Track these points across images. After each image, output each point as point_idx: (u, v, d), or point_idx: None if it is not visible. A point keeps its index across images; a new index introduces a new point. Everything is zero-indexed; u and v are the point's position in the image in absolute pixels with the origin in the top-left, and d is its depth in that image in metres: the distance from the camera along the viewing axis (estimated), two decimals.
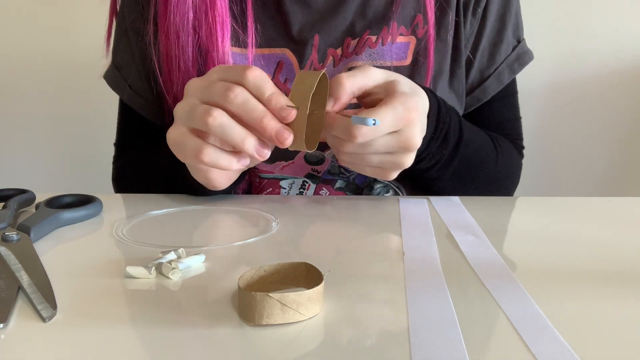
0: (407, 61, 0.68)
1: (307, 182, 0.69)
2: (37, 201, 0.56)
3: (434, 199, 0.61)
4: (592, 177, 1.36)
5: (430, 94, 0.58)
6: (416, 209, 0.57)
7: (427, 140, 0.58)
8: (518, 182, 0.77)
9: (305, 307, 0.33)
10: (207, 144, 0.49)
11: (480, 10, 0.70)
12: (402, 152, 0.52)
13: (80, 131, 1.40)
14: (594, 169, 1.36)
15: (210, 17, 0.62)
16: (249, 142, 0.48)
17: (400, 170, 0.54)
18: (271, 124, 0.47)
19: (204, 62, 0.64)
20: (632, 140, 1.35)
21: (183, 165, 0.57)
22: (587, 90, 1.32)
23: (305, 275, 0.37)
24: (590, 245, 0.47)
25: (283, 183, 0.69)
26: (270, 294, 0.32)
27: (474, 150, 0.66)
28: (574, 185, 1.37)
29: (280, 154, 0.68)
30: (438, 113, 0.59)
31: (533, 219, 0.56)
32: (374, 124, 0.47)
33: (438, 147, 0.60)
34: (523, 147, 0.80)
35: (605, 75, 1.31)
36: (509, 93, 0.76)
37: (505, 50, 0.72)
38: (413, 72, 0.67)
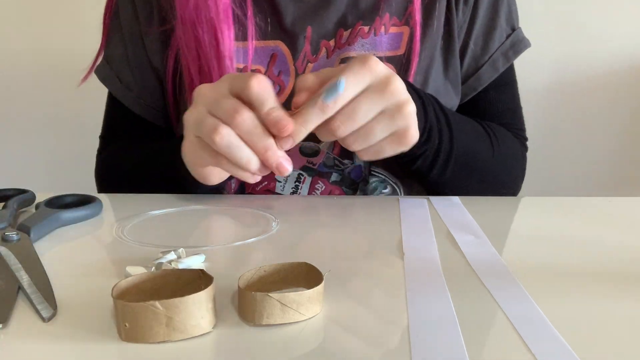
0: (401, 51, 0.68)
1: (302, 175, 0.69)
2: (37, 201, 0.56)
3: (434, 199, 0.61)
4: (592, 177, 1.36)
5: (409, 86, 0.56)
6: (416, 209, 0.57)
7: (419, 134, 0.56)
8: (523, 175, 0.76)
9: (305, 307, 0.33)
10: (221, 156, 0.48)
11: None
12: (396, 109, 0.49)
13: (80, 131, 1.40)
14: (594, 169, 1.36)
15: (214, 12, 0.63)
16: (254, 164, 0.47)
17: (413, 133, 0.51)
18: (274, 157, 0.47)
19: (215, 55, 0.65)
20: (632, 140, 1.35)
21: (175, 158, 0.56)
22: (587, 90, 1.32)
23: (305, 275, 0.37)
24: (590, 245, 0.47)
25: (278, 176, 0.70)
26: (270, 294, 0.32)
27: (467, 139, 0.65)
28: (574, 185, 1.37)
29: None
30: (424, 107, 0.58)
31: (533, 218, 0.56)
32: (339, 84, 0.46)
33: (434, 136, 0.59)
34: (526, 139, 0.78)
35: (605, 75, 1.31)
36: (506, 82, 0.75)
37: (499, 38, 0.72)
38: (407, 62, 0.67)
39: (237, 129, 0.46)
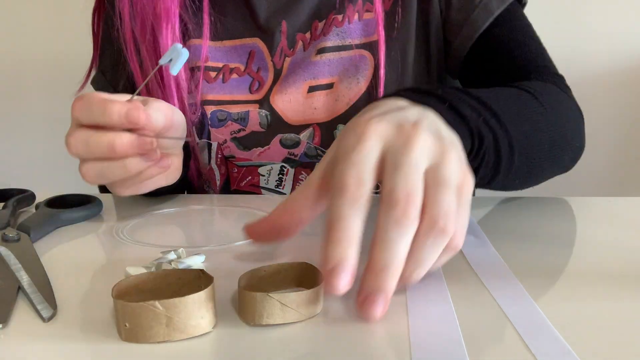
0: (376, 36, 0.67)
1: (285, 167, 0.70)
2: (37, 201, 0.56)
3: None
4: (592, 177, 1.36)
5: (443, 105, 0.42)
6: None
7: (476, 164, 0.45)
8: (583, 119, 0.66)
9: (305, 307, 0.33)
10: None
11: None
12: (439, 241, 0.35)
13: None
14: (594, 169, 1.36)
15: (159, 9, 0.63)
16: (131, 164, 0.47)
17: (458, 248, 0.36)
18: (125, 140, 0.46)
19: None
20: (632, 140, 1.35)
21: None
22: (586, 90, 1.32)
23: (305, 275, 0.37)
24: (590, 245, 0.47)
25: (261, 170, 0.70)
26: (270, 294, 0.32)
27: (517, 116, 0.51)
28: (574, 185, 1.37)
29: (255, 141, 0.69)
30: (468, 123, 0.43)
31: (533, 219, 0.55)
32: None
33: (486, 136, 0.45)
34: (561, 77, 0.67)
35: (605, 75, 1.31)
36: (512, 20, 0.66)
37: None
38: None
39: (80, 151, 0.47)
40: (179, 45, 0.48)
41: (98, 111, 0.46)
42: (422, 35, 0.68)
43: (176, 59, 0.47)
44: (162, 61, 0.49)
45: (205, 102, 0.69)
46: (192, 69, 0.68)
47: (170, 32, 0.64)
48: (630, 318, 0.34)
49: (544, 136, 0.54)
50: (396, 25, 0.67)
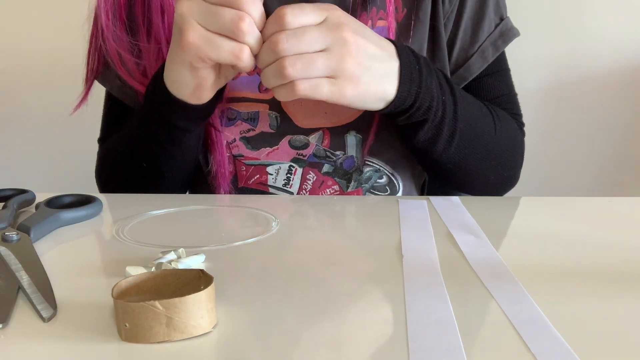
0: None
1: (293, 167, 0.70)
2: (37, 201, 0.56)
3: (434, 199, 0.61)
4: (592, 177, 1.36)
5: (406, 48, 0.59)
6: (416, 210, 0.57)
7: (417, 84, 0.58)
8: (522, 160, 0.76)
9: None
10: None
11: None
12: (338, 45, 0.52)
13: (80, 131, 1.40)
14: (594, 169, 1.36)
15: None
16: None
17: (354, 87, 0.55)
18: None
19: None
20: (632, 140, 1.35)
21: (160, 88, 0.59)
22: (586, 90, 1.32)
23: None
24: (590, 245, 0.47)
25: (269, 169, 0.70)
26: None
27: (471, 108, 0.65)
28: (574, 185, 1.37)
29: (264, 141, 0.68)
30: (420, 70, 0.59)
31: (533, 219, 0.56)
32: None
33: (436, 106, 0.60)
34: (523, 124, 0.78)
35: (604, 75, 1.31)
36: (498, 69, 0.75)
37: (487, 28, 0.72)
38: None
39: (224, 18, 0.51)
40: None
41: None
42: (430, 51, 0.69)
43: None
44: None
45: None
46: None
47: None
48: (630, 318, 0.34)
49: (482, 144, 0.66)
50: (410, 35, 0.67)
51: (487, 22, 0.72)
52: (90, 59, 0.71)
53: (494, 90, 0.75)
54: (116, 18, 0.67)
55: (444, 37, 0.70)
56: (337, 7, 0.54)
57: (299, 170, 0.70)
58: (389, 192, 0.71)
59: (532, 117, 1.31)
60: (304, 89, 0.53)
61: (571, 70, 1.31)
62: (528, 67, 1.29)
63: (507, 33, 0.73)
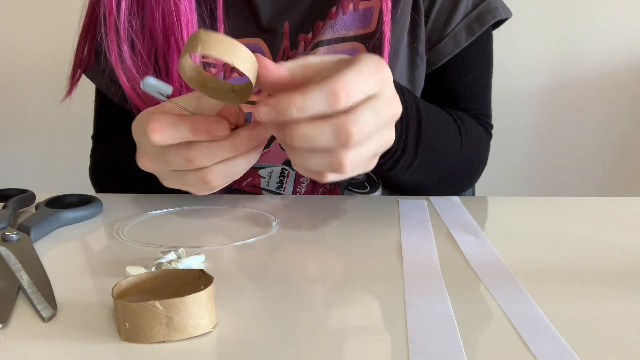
0: (372, 27, 0.65)
1: (286, 170, 0.69)
2: (37, 201, 0.56)
3: (434, 199, 0.61)
4: (591, 177, 1.36)
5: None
6: (415, 210, 0.57)
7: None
8: (485, 165, 0.72)
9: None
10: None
11: None
12: (388, 125, 0.42)
13: (80, 131, 1.40)
14: (594, 169, 1.36)
15: (176, 19, 0.60)
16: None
17: (340, 175, 0.42)
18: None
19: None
20: (632, 140, 1.35)
21: None
22: (586, 90, 1.32)
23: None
24: (590, 245, 0.47)
25: (262, 172, 0.69)
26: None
27: (437, 135, 0.60)
28: (573, 185, 1.37)
29: None
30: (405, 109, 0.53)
31: (533, 219, 0.56)
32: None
33: (398, 136, 0.53)
34: (491, 126, 0.73)
35: (604, 75, 1.31)
36: (474, 61, 0.69)
37: (464, 8, 0.66)
38: (380, 40, 0.63)
39: (204, 162, 0.44)
40: (150, 80, 0.42)
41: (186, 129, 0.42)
42: (410, 35, 0.66)
43: (159, 88, 0.43)
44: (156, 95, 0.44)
45: None
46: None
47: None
48: (630, 318, 0.34)
49: (443, 167, 0.62)
50: (394, 10, 0.63)
51: (465, 2, 0.66)
52: (78, 50, 0.69)
53: (464, 86, 0.69)
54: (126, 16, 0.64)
55: (422, 14, 0.66)
56: (381, 61, 0.42)
57: (292, 174, 0.69)
58: (368, 189, 0.70)
59: (532, 117, 1.32)
60: (354, 173, 0.43)
61: (571, 70, 1.31)
62: (528, 67, 1.29)
63: (486, 15, 0.66)
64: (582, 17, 1.29)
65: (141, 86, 0.42)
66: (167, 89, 0.42)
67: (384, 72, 0.42)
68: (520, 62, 1.26)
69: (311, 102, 0.38)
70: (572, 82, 1.33)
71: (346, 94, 0.38)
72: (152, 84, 0.41)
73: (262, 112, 0.39)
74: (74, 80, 0.70)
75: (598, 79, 1.31)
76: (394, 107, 0.43)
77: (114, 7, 0.61)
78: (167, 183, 0.48)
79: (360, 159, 0.41)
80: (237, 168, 0.45)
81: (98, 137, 0.79)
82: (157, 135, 0.42)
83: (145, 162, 0.47)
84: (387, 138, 0.43)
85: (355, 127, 0.38)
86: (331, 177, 0.43)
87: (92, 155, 0.79)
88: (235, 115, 0.44)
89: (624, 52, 1.29)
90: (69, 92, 0.70)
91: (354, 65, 0.40)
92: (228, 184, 0.47)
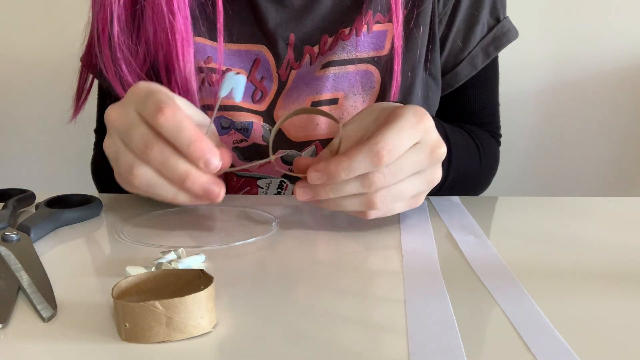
0: (386, 50, 0.65)
1: (284, 182, 0.69)
2: (37, 201, 0.56)
3: (434, 199, 0.61)
4: (592, 177, 1.36)
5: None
6: (416, 210, 0.57)
7: None
8: (496, 172, 0.76)
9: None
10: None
11: None
12: (430, 172, 0.47)
13: (80, 131, 1.40)
14: (594, 169, 1.36)
15: (170, 36, 0.59)
16: (181, 197, 0.45)
17: (376, 212, 0.47)
18: (196, 185, 0.43)
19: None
20: (632, 140, 1.35)
21: None
22: (586, 90, 1.32)
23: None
24: (590, 245, 0.47)
25: (260, 182, 0.69)
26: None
27: (464, 157, 0.64)
28: (574, 185, 1.37)
29: (256, 153, 0.67)
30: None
31: (533, 219, 0.56)
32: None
33: None
34: (500, 136, 0.77)
35: (604, 75, 1.31)
36: (486, 79, 0.72)
37: (480, 32, 0.69)
38: (391, 61, 0.64)
39: (152, 163, 0.43)
40: (232, 73, 0.46)
41: (172, 136, 0.43)
42: (427, 58, 0.67)
43: (236, 87, 0.46)
44: (223, 93, 0.46)
45: (208, 107, 0.67)
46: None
47: (187, 58, 0.61)
48: (630, 318, 0.34)
49: (466, 183, 0.66)
50: (412, 36, 0.65)
51: (481, 26, 0.69)
52: (87, 53, 0.67)
53: (478, 103, 0.73)
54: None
55: (438, 39, 0.68)
56: (421, 111, 0.46)
57: (290, 187, 0.69)
58: None
59: (532, 117, 1.31)
60: (383, 214, 0.48)
61: (571, 70, 1.31)
62: (528, 67, 1.29)
63: (501, 38, 0.70)
64: (582, 17, 1.29)
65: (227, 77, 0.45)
66: (239, 95, 0.46)
67: (425, 121, 0.45)
68: (521, 62, 1.25)
69: (357, 164, 0.43)
70: (573, 83, 1.33)
71: (388, 152, 0.43)
72: (234, 80, 0.45)
73: (314, 177, 0.44)
74: (78, 105, 0.69)
75: (598, 80, 1.31)
76: (436, 152, 0.46)
77: (108, 24, 0.60)
78: (108, 150, 0.47)
79: (392, 199, 0.46)
80: (164, 190, 0.45)
81: (101, 130, 0.79)
82: (161, 118, 0.42)
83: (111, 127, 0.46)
84: (430, 177, 0.48)
85: (379, 174, 0.44)
86: (373, 214, 0.47)
87: (95, 148, 0.80)
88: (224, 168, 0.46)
89: (624, 52, 1.29)
90: (74, 116, 0.70)
91: (394, 123, 0.43)
92: (145, 194, 0.47)
